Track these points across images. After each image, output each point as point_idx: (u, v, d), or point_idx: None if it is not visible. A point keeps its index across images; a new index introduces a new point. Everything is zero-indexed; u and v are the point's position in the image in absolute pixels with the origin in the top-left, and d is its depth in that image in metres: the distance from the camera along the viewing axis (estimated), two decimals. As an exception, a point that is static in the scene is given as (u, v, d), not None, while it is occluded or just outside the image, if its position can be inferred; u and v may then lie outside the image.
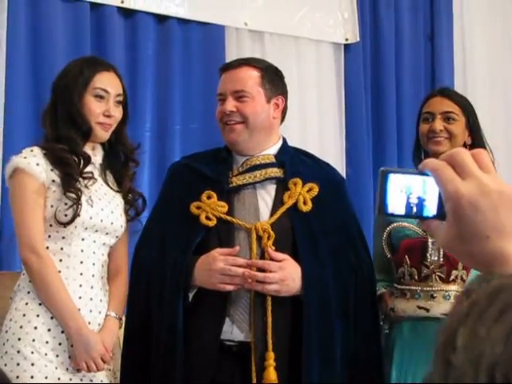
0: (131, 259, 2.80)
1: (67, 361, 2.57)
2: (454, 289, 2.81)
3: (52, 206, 2.60)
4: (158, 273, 2.67)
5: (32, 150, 2.64)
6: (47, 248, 2.60)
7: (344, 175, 3.87)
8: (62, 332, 2.57)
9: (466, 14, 4.99)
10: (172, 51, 4.12)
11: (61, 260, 2.61)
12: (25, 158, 2.62)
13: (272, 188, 2.73)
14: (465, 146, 2.98)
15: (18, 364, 2.51)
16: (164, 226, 2.75)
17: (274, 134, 2.80)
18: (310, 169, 2.82)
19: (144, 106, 3.97)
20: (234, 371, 2.62)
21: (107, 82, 2.71)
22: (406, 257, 2.86)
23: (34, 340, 2.53)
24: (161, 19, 4.11)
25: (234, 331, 2.60)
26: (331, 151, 4.46)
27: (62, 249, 2.61)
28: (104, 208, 2.68)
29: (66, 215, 2.59)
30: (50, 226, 2.61)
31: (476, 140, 3.00)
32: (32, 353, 2.52)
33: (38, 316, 2.56)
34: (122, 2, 3.96)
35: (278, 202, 2.70)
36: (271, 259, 2.59)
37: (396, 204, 1.02)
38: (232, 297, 2.61)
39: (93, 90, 2.68)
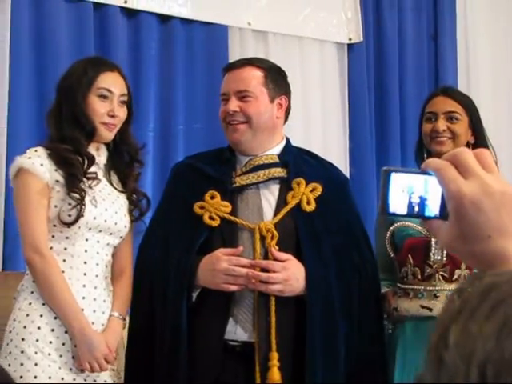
0: (135, 259, 2.80)
1: (71, 361, 2.57)
2: (457, 288, 2.80)
3: (56, 207, 2.60)
4: (161, 273, 2.67)
5: (36, 151, 2.65)
6: (51, 248, 2.60)
7: (347, 175, 3.87)
8: (66, 332, 2.57)
9: (470, 13, 4.99)
10: (175, 51, 4.12)
11: (64, 260, 2.61)
12: (29, 158, 2.62)
13: (275, 188, 2.73)
14: (468, 145, 2.98)
15: (22, 364, 2.51)
16: (167, 225, 2.76)
17: (277, 134, 2.80)
18: (314, 169, 2.82)
19: (147, 105, 3.97)
20: (238, 371, 2.62)
21: (111, 82, 2.71)
22: (410, 256, 2.86)
23: (37, 340, 2.53)
24: (164, 19, 4.11)
25: (237, 331, 2.60)
26: (335, 151, 4.45)
27: (65, 249, 2.62)
28: (108, 208, 2.68)
29: (69, 215, 2.59)
30: (54, 226, 2.61)
31: (479, 139, 3.00)
32: (35, 353, 2.52)
33: (41, 316, 2.56)
34: (125, 1, 3.96)
35: (281, 201, 2.70)
36: (275, 259, 2.59)
37: (398, 204, 1.02)
38: (236, 297, 2.61)
39: (97, 90, 2.68)
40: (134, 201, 2.79)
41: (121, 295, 2.72)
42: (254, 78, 2.73)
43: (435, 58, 4.90)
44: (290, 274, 2.58)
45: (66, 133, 2.67)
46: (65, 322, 2.57)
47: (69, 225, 2.59)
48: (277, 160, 2.75)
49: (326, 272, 2.66)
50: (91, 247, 2.65)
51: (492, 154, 2.98)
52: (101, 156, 2.75)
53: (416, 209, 1.02)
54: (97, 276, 2.65)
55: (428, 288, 2.83)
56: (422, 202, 1.01)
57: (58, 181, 2.61)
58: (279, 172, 2.73)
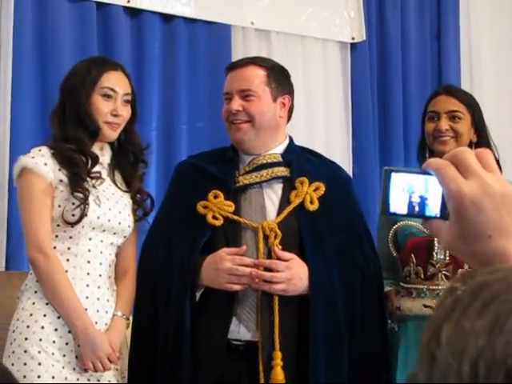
0: (138, 258, 2.80)
1: (74, 360, 2.57)
2: (460, 288, 2.80)
3: (59, 206, 2.60)
4: (164, 272, 2.67)
5: (40, 150, 2.65)
6: (54, 248, 2.60)
7: (350, 174, 3.87)
8: (69, 332, 2.57)
9: (473, 13, 4.98)
10: (178, 50, 4.12)
11: (68, 260, 2.61)
12: (33, 157, 2.62)
13: (279, 187, 2.73)
14: (470, 143, 2.98)
15: (25, 363, 2.51)
16: (171, 225, 2.76)
17: (280, 133, 2.80)
18: (317, 168, 2.82)
19: (150, 105, 3.97)
20: (241, 370, 2.62)
21: (115, 82, 2.71)
22: (412, 256, 2.86)
23: (40, 339, 2.53)
24: (167, 18, 4.11)
25: (241, 331, 2.60)
26: (338, 150, 4.45)
27: (69, 248, 2.62)
28: (112, 208, 2.68)
29: (73, 215, 2.59)
30: (58, 225, 2.61)
31: (481, 138, 3.00)
32: (39, 352, 2.52)
33: (44, 315, 2.57)
34: (128, 1, 3.96)
35: (284, 201, 2.70)
36: (278, 258, 2.59)
37: (398, 203, 1.02)
38: (239, 296, 2.61)
39: (100, 89, 2.68)
40: (137, 200, 2.79)
41: (124, 295, 2.72)
42: (256, 77, 2.73)
43: (438, 58, 4.90)
44: (293, 274, 2.58)
45: (69, 132, 2.67)
46: (68, 322, 2.57)
47: (72, 224, 2.59)
48: (280, 159, 2.75)
49: (329, 271, 2.66)
50: (95, 247, 2.65)
51: (495, 152, 2.98)
52: (105, 155, 2.75)
53: (416, 208, 1.02)
54: (100, 275, 2.65)
55: (431, 287, 2.83)
56: (423, 202, 1.02)
57: (61, 180, 2.61)
58: (282, 171, 2.73)
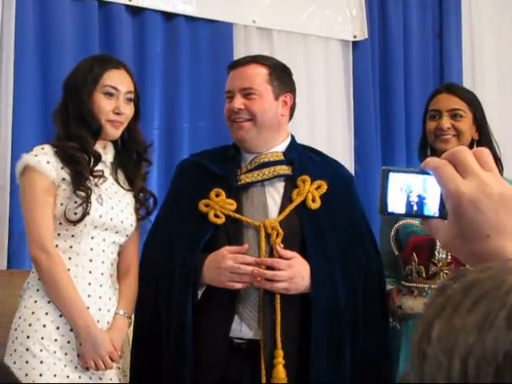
0: (140, 257, 2.80)
1: (76, 359, 2.57)
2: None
3: (62, 204, 2.60)
4: (166, 271, 2.67)
5: (43, 148, 2.65)
6: (56, 246, 2.60)
7: (352, 172, 3.86)
8: (71, 330, 2.57)
9: (475, 11, 4.97)
10: (180, 49, 4.12)
11: (70, 258, 2.61)
12: (35, 155, 2.62)
13: (280, 185, 2.73)
14: (472, 141, 2.98)
15: (27, 362, 2.51)
16: (172, 223, 2.76)
17: (282, 132, 2.80)
18: (319, 166, 2.82)
19: (152, 103, 3.97)
20: (243, 369, 2.62)
21: (117, 80, 2.71)
22: (414, 254, 2.86)
23: (42, 338, 2.53)
24: (169, 17, 4.11)
25: (242, 329, 2.60)
26: (340, 148, 4.45)
27: (71, 247, 2.62)
28: (114, 206, 2.68)
29: (75, 213, 2.59)
30: (60, 224, 2.61)
31: (483, 135, 3.00)
32: (41, 351, 2.52)
33: (46, 314, 2.57)
34: (130, -1, 3.96)
35: (286, 199, 2.70)
36: (280, 257, 2.59)
37: (396, 203, 1.03)
38: (241, 295, 2.61)
39: (102, 87, 2.68)
40: (140, 199, 2.79)
41: (126, 293, 2.72)
42: (258, 75, 2.73)
43: (440, 56, 4.89)
44: (295, 272, 2.58)
45: (72, 131, 2.67)
46: (70, 320, 2.57)
47: (74, 223, 2.59)
48: (282, 157, 2.75)
49: (331, 270, 2.66)
50: (97, 245, 2.65)
51: (496, 150, 2.98)
52: (107, 154, 2.75)
53: (415, 208, 1.02)
54: (102, 274, 2.65)
55: (432, 286, 2.83)
56: (421, 201, 1.02)
57: (64, 179, 2.61)
58: (284, 169, 2.73)
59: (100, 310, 2.63)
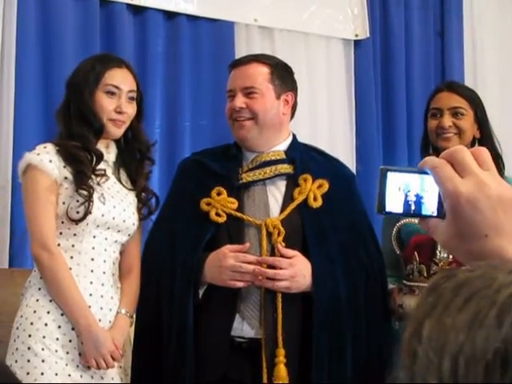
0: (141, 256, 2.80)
1: (77, 358, 2.57)
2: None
3: (64, 203, 2.60)
4: (168, 270, 2.67)
5: (45, 147, 2.65)
6: (58, 245, 2.60)
7: (354, 171, 3.86)
8: (73, 329, 2.57)
9: (477, 11, 4.97)
10: (181, 48, 4.11)
11: (72, 257, 2.61)
12: (38, 154, 2.62)
13: (282, 184, 2.73)
14: (474, 140, 2.98)
15: (29, 360, 2.51)
16: (174, 222, 2.76)
17: (283, 131, 2.80)
18: (321, 165, 2.82)
19: (153, 102, 3.97)
20: (245, 368, 2.62)
21: (119, 79, 2.71)
22: (416, 253, 2.85)
23: (44, 337, 2.53)
24: (170, 16, 4.11)
25: (244, 328, 2.60)
26: (341, 148, 4.44)
27: (73, 246, 2.62)
28: (116, 206, 2.68)
29: (77, 212, 2.59)
30: (62, 223, 2.61)
31: (484, 133, 2.99)
32: (42, 349, 2.52)
33: (48, 313, 2.57)
34: (132, -2, 3.96)
35: (288, 198, 2.70)
36: (281, 256, 2.59)
37: (394, 202, 1.03)
38: (242, 293, 2.61)
39: (104, 86, 2.68)
40: (142, 199, 2.79)
41: (128, 292, 2.72)
42: (260, 74, 2.73)
43: (442, 55, 4.89)
44: (296, 271, 2.58)
45: (74, 130, 2.67)
46: (71, 319, 2.57)
47: (77, 222, 2.59)
48: (283, 156, 2.75)
49: (332, 268, 2.66)
50: (99, 244, 2.65)
51: (498, 148, 2.98)
52: (110, 153, 2.75)
53: (412, 207, 1.02)
54: (104, 273, 2.65)
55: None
56: (419, 201, 1.02)
57: (66, 177, 2.61)
58: (286, 168, 2.73)
59: (102, 308, 2.63)
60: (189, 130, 4.10)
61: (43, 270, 2.59)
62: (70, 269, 2.59)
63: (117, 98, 2.69)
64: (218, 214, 2.66)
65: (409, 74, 4.75)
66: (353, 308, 2.67)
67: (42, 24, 3.75)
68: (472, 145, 2.98)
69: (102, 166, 2.69)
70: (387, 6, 4.71)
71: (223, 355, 2.60)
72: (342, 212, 2.76)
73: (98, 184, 2.65)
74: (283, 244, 2.61)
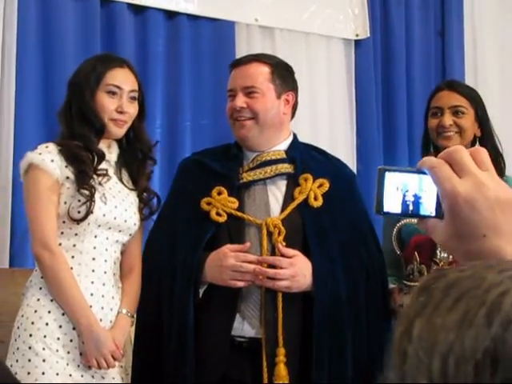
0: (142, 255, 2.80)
1: (78, 357, 2.57)
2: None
3: (65, 203, 2.61)
4: (168, 269, 2.67)
5: (47, 147, 2.65)
6: (60, 244, 2.60)
7: (355, 171, 3.86)
8: (74, 328, 2.57)
9: (477, 11, 4.97)
10: (182, 47, 4.12)
11: (73, 257, 2.61)
12: (40, 154, 2.62)
13: (282, 184, 2.73)
14: (475, 138, 2.98)
15: (30, 360, 2.51)
16: (174, 222, 2.76)
17: (284, 130, 2.80)
18: (321, 164, 2.82)
19: (154, 102, 3.97)
20: (245, 367, 2.62)
21: (120, 79, 2.71)
22: (416, 254, 2.85)
23: (45, 336, 2.53)
24: (171, 15, 4.11)
25: (244, 327, 2.60)
26: (342, 147, 4.44)
27: (74, 245, 2.62)
28: (118, 205, 2.68)
29: (79, 212, 2.59)
30: (63, 222, 2.61)
31: (485, 132, 2.99)
32: (43, 349, 2.52)
33: (49, 312, 2.57)
34: (132, -2, 3.96)
35: (288, 197, 2.70)
36: (282, 255, 2.59)
37: (392, 203, 1.02)
38: (243, 293, 2.61)
39: (105, 86, 2.68)
40: (144, 199, 2.79)
41: (130, 292, 2.72)
42: (260, 73, 2.73)
43: (442, 55, 4.89)
44: (297, 270, 2.58)
45: (75, 130, 2.67)
46: (72, 319, 2.57)
47: (78, 221, 2.59)
48: (284, 156, 2.75)
49: (332, 268, 2.66)
50: (100, 244, 2.65)
51: (499, 146, 2.98)
52: (112, 153, 2.75)
53: (411, 207, 1.02)
54: (105, 273, 2.65)
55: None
56: (417, 201, 1.01)
57: (68, 177, 2.62)
58: (286, 168, 2.73)
59: (103, 308, 2.63)
60: (189, 130, 4.10)
61: (44, 270, 2.59)
62: (71, 268, 2.59)
63: (118, 98, 2.69)
64: (218, 214, 2.66)
65: (409, 74, 4.75)
66: (353, 308, 2.67)
67: (42, 24, 3.75)
68: (473, 143, 2.98)
69: (103, 165, 2.69)
70: (388, 6, 4.71)
71: (223, 355, 2.60)
72: (343, 211, 2.76)
73: (100, 184, 2.65)
74: (284, 243, 2.61)
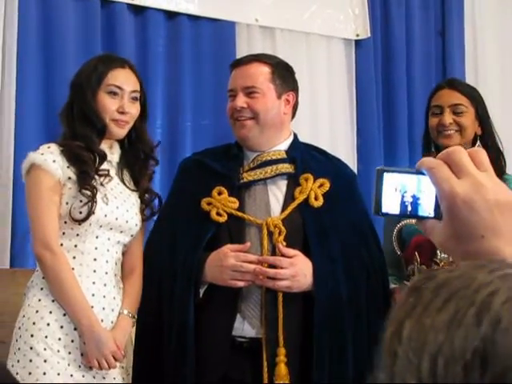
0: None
1: (79, 358, 2.57)
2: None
3: (67, 203, 2.61)
4: (168, 269, 2.67)
5: (49, 147, 2.65)
6: (61, 245, 2.60)
7: (355, 171, 3.86)
8: (75, 329, 2.57)
9: (478, 10, 4.97)
10: (182, 48, 4.12)
11: (74, 257, 2.61)
12: (42, 154, 2.62)
13: (283, 184, 2.73)
14: (475, 137, 2.98)
15: (31, 360, 2.51)
16: (175, 222, 2.76)
17: (284, 130, 2.80)
18: (322, 164, 2.82)
19: (155, 102, 3.96)
20: (245, 367, 2.62)
21: (121, 79, 2.71)
22: (416, 254, 2.85)
23: (46, 337, 2.54)
24: (171, 16, 4.11)
25: (245, 327, 2.60)
26: (342, 147, 4.44)
27: (75, 246, 2.62)
28: (119, 206, 2.68)
29: (80, 212, 2.59)
30: (65, 223, 2.61)
31: (486, 130, 2.99)
32: (44, 349, 2.52)
33: (50, 313, 2.57)
34: (132, -2, 3.96)
35: (289, 197, 2.70)
36: (282, 255, 2.59)
37: (391, 203, 1.02)
38: (243, 293, 2.61)
39: (106, 86, 2.68)
40: (145, 200, 2.79)
41: (131, 293, 2.72)
42: (261, 74, 2.74)
43: (443, 55, 4.89)
44: (297, 270, 2.58)
45: (77, 130, 2.67)
46: (74, 319, 2.57)
47: (80, 222, 2.59)
48: (284, 156, 2.75)
49: (333, 268, 2.66)
50: (101, 244, 2.65)
51: (499, 145, 2.98)
52: (114, 154, 2.75)
53: (409, 208, 1.02)
54: (107, 273, 2.65)
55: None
56: (415, 202, 1.01)
57: (69, 178, 2.62)
58: (287, 168, 2.73)
59: (104, 309, 2.63)
60: (190, 130, 4.10)
61: (46, 270, 2.59)
62: (73, 269, 2.59)
63: (119, 99, 2.69)
64: (218, 214, 2.66)
65: (410, 74, 4.75)
66: (354, 307, 2.67)
67: (43, 23, 3.76)
68: (473, 142, 2.98)
69: (105, 166, 2.69)
70: (388, 6, 4.71)
71: (224, 355, 2.60)
72: (343, 211, 2.76)
73: (102, 184, 2.65)
74: (284, 243, 2.61)
